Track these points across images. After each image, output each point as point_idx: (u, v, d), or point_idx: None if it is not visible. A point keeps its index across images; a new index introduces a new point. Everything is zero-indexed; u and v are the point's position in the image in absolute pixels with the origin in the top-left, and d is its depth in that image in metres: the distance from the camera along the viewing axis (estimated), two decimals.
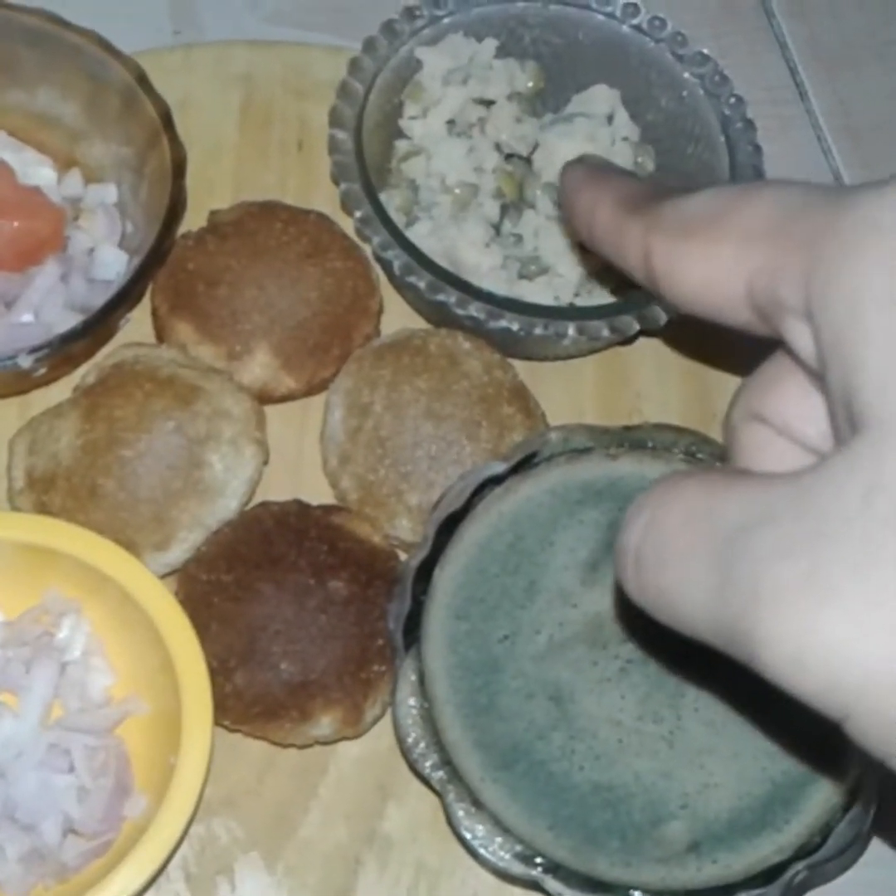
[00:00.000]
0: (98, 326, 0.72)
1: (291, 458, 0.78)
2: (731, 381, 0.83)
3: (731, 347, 0.83)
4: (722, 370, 0.84)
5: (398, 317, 0.82)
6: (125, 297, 0.72)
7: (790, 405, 0.44)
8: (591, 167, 0.53)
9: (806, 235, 0.39)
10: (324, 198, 0.83)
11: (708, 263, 0.42)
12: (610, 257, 0.48)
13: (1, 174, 0.77)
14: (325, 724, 0.68)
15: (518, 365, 0.79)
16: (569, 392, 0.82)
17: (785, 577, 0.36)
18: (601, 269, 0.80)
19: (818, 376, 0.39)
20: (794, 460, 0.43)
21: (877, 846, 0.74)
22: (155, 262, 0.73)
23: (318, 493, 0.75)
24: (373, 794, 0.71)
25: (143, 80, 0.77)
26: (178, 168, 0.75)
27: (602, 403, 0.82)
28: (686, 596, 0.39)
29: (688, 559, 0.39)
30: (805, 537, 0.36)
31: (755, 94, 0.86)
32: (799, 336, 0.40)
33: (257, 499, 0.75)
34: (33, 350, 0.70)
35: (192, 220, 0.79)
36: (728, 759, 0.65)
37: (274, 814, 0.70)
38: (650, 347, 0.84)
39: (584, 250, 0.79)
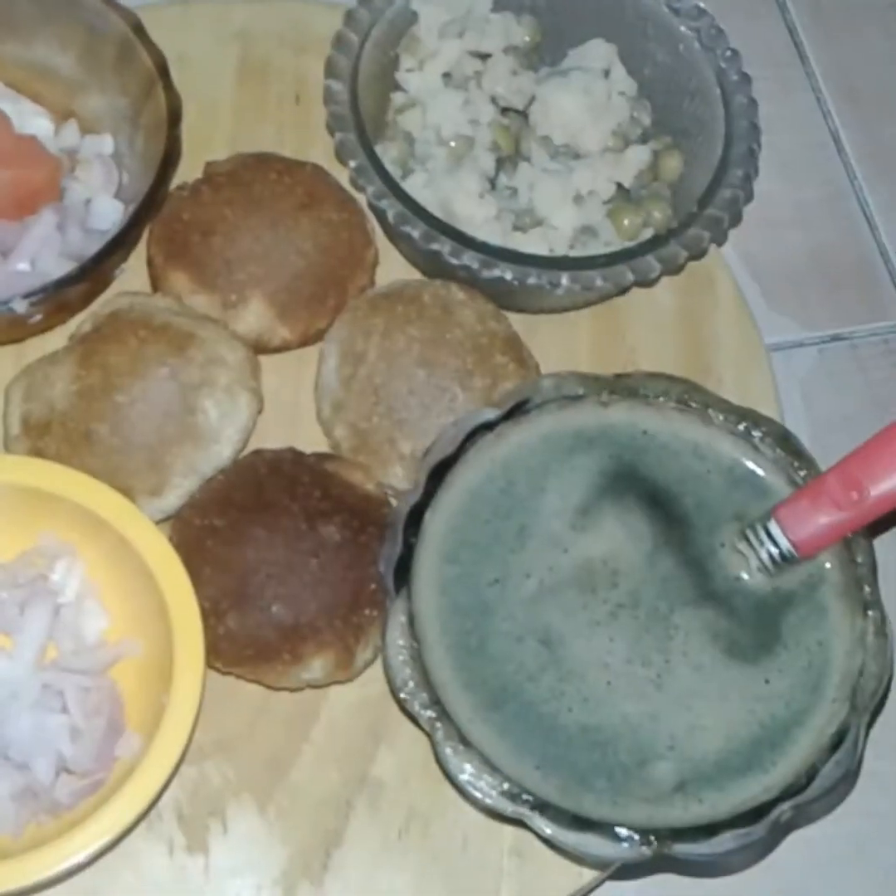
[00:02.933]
0: (93, 272, 0.72)
1: (286, 408, 0.79)
2: (724, 336, 0.84)
3: (724, 303, 0.85)
4: (715, 325, 0.84)
5: (393, 269, 0.82)
6: (121, 243, 0.73)
7: None
8: None
9: None
10: (321, 152, 0.84)
11: None
12: None
13: None
14: (316, 667, 0.69)
15: (513, 318, 0.79)
16: (563, 345, 0.82)
17: None
18: (596, 222, 0.80)
19: None
20: None
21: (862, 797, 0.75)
22: (150, 208, 0.74)
23: (313, 443, 0.76)
24: (364, 738, 0.71)
25: (139, 30, 0.77)
26: (174, 116, 0.75)
27: (596, 357, 0.82)
28: None
29: None
30: None
31: (755, 56, 0.87)
32: None
33: (251, 448, 0.75)
34: (28, 295, 0.70)
35: (190, 176, 0.80)
36: (716, 702, 0.66)
37: (266, 757, 0.71)
38: (644, 302, 0.84)
39: (579, 204, 0.80)
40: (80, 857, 0.63)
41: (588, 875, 0.69)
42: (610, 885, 0.72)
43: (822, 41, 1.04)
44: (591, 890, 0.71)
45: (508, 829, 0.69)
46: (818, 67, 1.03)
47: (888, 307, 0.93)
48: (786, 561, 0.67)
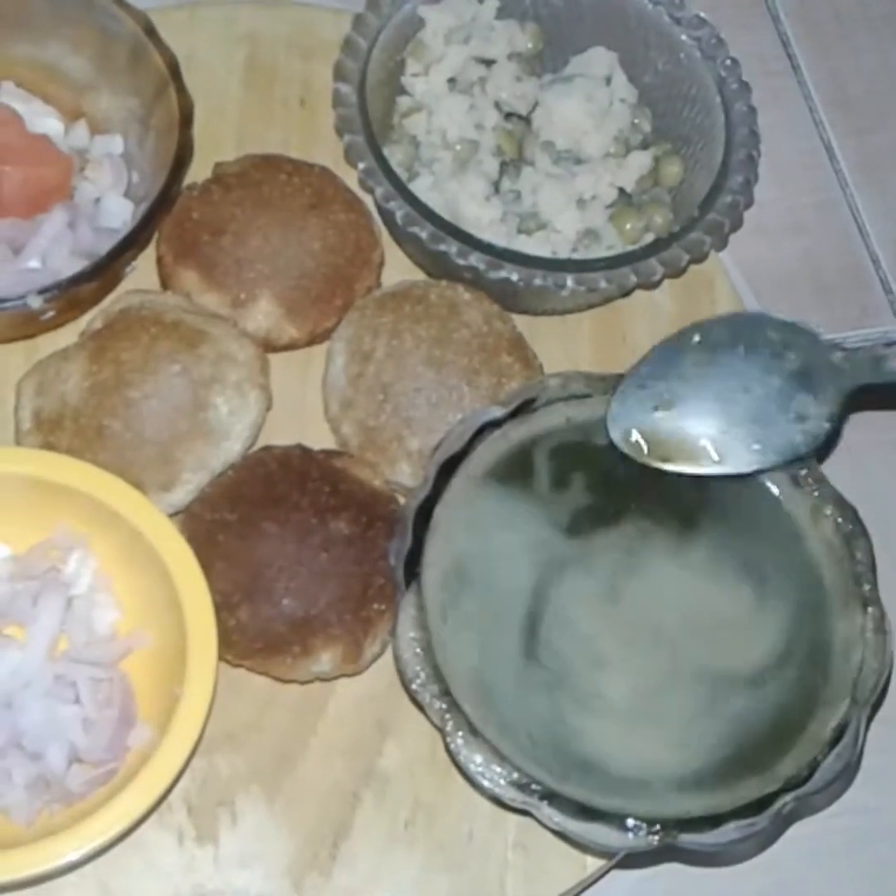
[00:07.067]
0: (106, 269, 0.73)
1: (294, 406, 0.80)
2: None
3: (722, 306, 0.86)
4: None
5: (399, 272, 0.83)
6: (133, 241, 0.74)
7: None
8: None
9: None
10: (326, 155, 0.85)
11: None
12: None
13: (9, 122, 0.78)
14: (325, 660, 0.70)
15: (516, 320, 0.80)
16: (565, 347, 0.84)
17: None
18: (599, 225, 0.82)
19: None
20: None
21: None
22: (163, 208, 0.75)
23: (321, 440, 0.77)
24: (371, 731, 0.72)
25: (151, 31, 0.78)
26: (186, 116, 0.76)
27: (598, 358, 0.84)
28: None
29: None
30: None
31: (748, 65, 0.88)
32: None
33: (260, 444, 0.76)
34: (43, 291, 0.71)
35: (198, 176, 0.81)
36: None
37: (275, 749, 0.72)
38: (645, 304, 0.85)
39: (582, 208, 0.81)
40: (91, 847, 0.64)
41: (592, 867, 0.70)
42: (613, 875, 0.73)
43: (814, 51, 1.06)
44: (595, 881, 0.72)
45: (513, 822, 0.70)
46: (810, 77, 1.05)
47: (879, 313, 0.95)
48: None
